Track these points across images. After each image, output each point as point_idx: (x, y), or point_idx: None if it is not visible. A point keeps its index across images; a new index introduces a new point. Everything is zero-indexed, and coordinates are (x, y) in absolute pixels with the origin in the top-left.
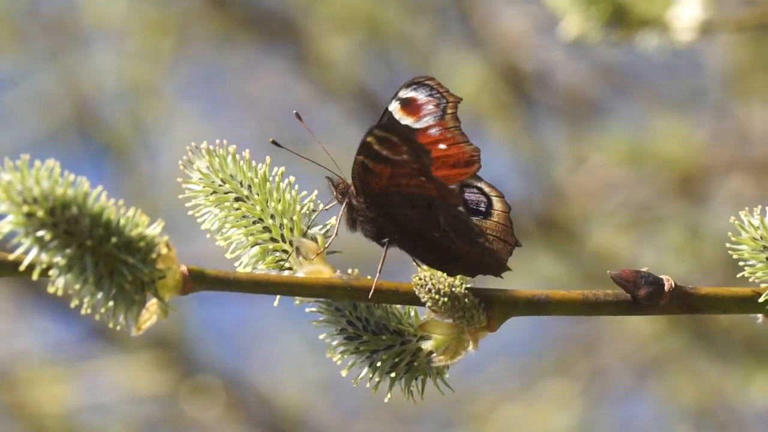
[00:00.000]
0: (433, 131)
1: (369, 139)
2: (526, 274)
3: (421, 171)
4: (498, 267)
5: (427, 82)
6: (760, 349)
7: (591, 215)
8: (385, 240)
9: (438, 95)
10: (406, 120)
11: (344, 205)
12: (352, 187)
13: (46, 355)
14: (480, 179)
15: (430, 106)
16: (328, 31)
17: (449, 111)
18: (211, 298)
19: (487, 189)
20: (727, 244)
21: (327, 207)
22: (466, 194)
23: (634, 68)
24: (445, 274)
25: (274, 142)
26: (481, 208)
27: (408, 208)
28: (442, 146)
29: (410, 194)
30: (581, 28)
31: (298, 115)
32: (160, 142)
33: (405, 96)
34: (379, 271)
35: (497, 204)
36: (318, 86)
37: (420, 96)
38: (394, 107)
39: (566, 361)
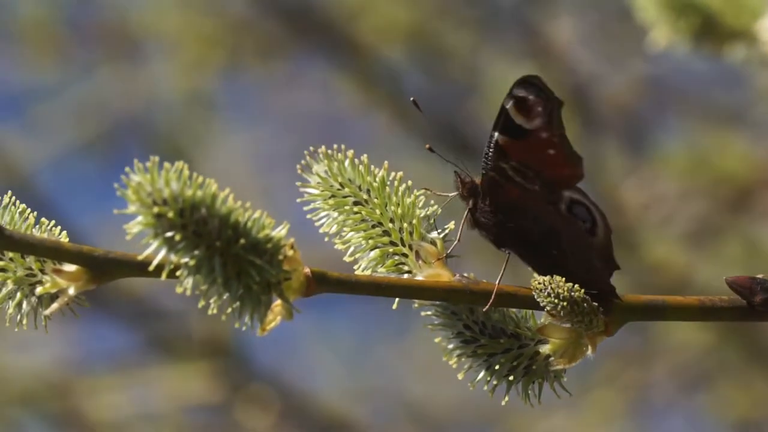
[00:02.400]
0: (543, 135)
1: (504, 166)
2: None
3: (550, 202)
4: (607, 293)
5: (534, 81)
6: None
7: (646, 227)
8: (504, 248)
9: (544, 96)
10: (518, 119)
11: (469, 203)
12: (480, 188)
13: (102, 364)
14: (586, 195)
15: (539, 108)
16: (375, 42)
17: (556, 114)
18: None
19: (593, 209)
20: None
21: (447, 196)
22: (575, 209)
23: (685, 82)
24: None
25: (430, 149)
26: (587, 226)
27: (531, 224)
28: (551, 151)
29: (537, 215)
30: (669, 38)
31: (415, 102)
32: (209, 151)
33: (518, 94)
34: (500, 278)
35: (601, 225)
36: (363, 98)
37: (530, 96)
38: (510, 106)
39: (612, 373)
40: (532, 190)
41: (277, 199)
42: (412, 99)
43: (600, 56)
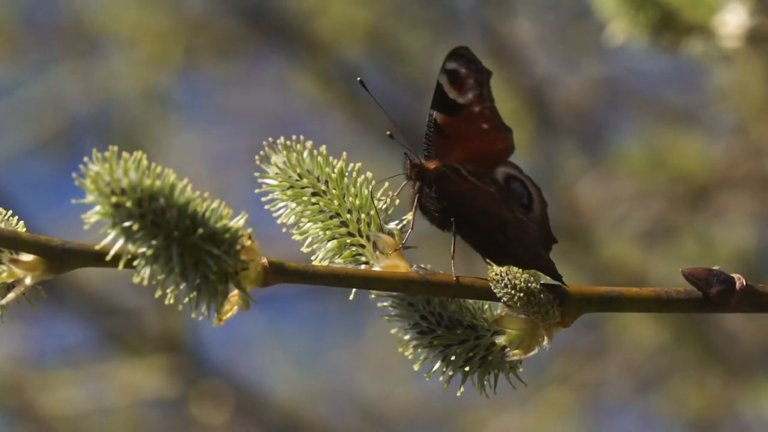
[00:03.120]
0: (475, 108)
1: (459, 167)
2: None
3: (505, 202)
4: (553, 277)
5: (463, 53)
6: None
7: (601, 226)
8: (448, 231)
9: (474, 68)
10: (452, 94)
11: (416, 185)
12: (428, 175)
13: (57, 359)
14: (520, 170)
15: (471, 81)
16: (332, 41)
17: (486, 85)
18: None
19: (527, 183)
20: None
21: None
22: (512, 185)
23: (641, 82)
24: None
25: (390, 135)
26: (524, 201)
27: (478, 213)
28: (484, 125)
29: (486, 207)
30: (627, 33)
31: (362, 82)
32: (165, 149)
33: (451, 68)
34: (453, 258)
35: (537, 199)
36: (320, 97)
37: (461, 69)
38: (444, 80)
39: (566, 371)
40: (487, 191)
41: (234, 198)
42: (359, 79)
43: (556, 57)
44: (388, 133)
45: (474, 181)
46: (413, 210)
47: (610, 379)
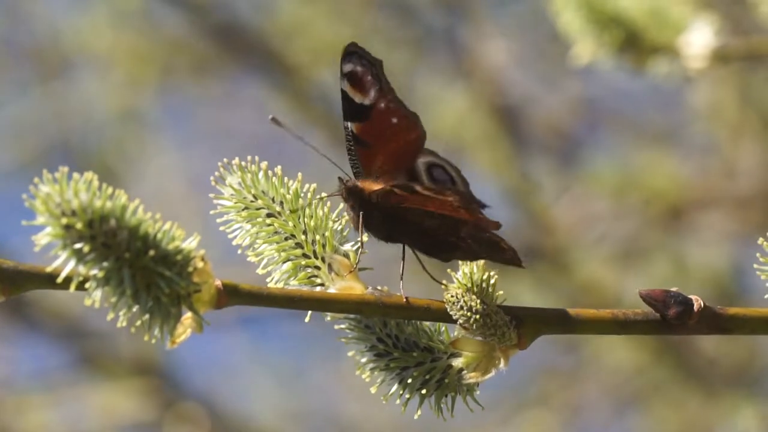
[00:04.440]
0: (381, 105)
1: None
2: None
3: (464, 207)
4: (514, 263)
5: (353, 49)
6: (745, 380)
7: (577, 246)
8: (395, 242)
9: (367, 63)
10: (357, 98)
11: (357, 209)
12: (366, 195)
13: (30, 382)
14: (438, 155)
15: (368, 77)
16: (309, 62)
17: (383, 78)
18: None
19: (448, 167)
20: (755, 265)
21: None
22: (434, 172)
23: (616, 101)
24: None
25: (274, 120)
26: (447, 185)
27: (428, 220)
28: (394, 119)
29: (435, 213)
30: (593, 53)
31: (275, 120)
32: (141, 170)
33: (347, 70)
34: (401, 278)
35: (459, 180)
36: (297, 117)
37: (357, 68)
38: (346, 86)
39: (546, 392)
40: (443, 201)
41: (212, 219)
42: (271, 117)
43: (533, 77)
44: (299, 137)
45: (433, 196)
46: (359, 231)
47: (590, 400)
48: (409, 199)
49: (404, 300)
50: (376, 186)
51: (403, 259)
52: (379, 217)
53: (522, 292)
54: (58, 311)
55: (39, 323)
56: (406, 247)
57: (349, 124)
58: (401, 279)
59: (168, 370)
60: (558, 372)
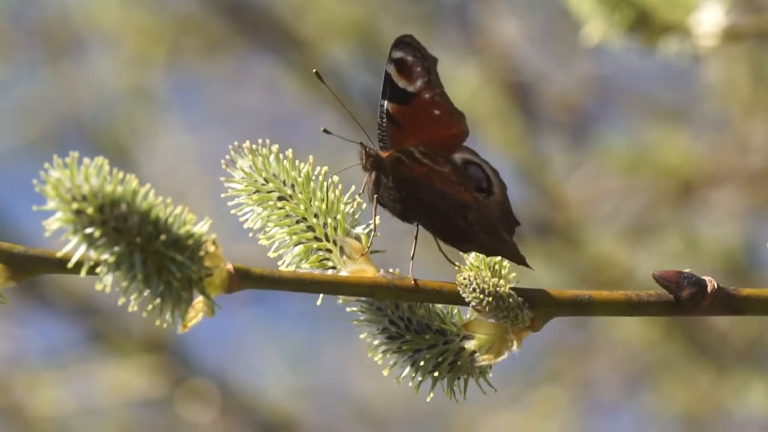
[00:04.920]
0: (426, 95)
1: (413, 150)
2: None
3: (460, 183)
4: (517, 261)
5: (408, 41)
6: (756, 357)
7: (588, 222)
8: (409, 221)
9: (420, 56)
10: (402, 83)
11: (372, 176)
12: (383, 164)
13: (41, 359)
14: (477, 154)
15: (418, 68)
16: (320, 39)
17: (434, 72)
18: None
19: (485, 167)
20: None
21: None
22: (470, 169)
23: (628, 78)
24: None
25: (325, 130)
26: (483, 186)
27: (437, 199)
28: (436, 111)
29: (443, 191)
30: (603, 33)
31: (318, 75)
32: (152, 149)
33: (397, 57)
34: (412, 258)
35: (496, 182)
36: (309, 95)
37: (408, 57)
38: (392, 70)
39: (557, 369)
40: (441, 171)
41: (222, 199)
42: (314, 71)
43: (545, 54)
44: (322, 129)
45: (428, 163)
46: (374, 203)
47: (600, 377)
48: (415, 169)
49: (413, 282)
50: (388, 153)
51: (416, 240)
52: (393, 189)
53: (533, 267)
54: (69, 289)
55: (50, 301)
56: (421, 228)
57: (386, 102)
58: (412, 260)
59: (179, 347)
60: (568, 348)
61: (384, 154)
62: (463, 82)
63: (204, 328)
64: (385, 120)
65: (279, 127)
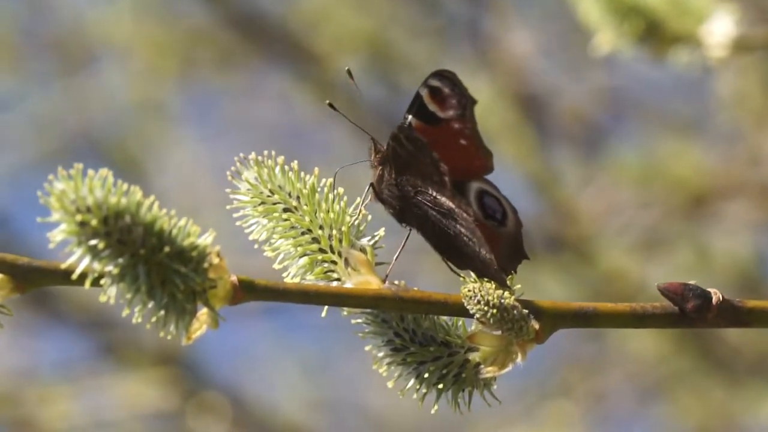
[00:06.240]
0: (456, 125)
1: (398, 134)
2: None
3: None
4: (498, 282)
5: (449, 76)
6: None
7: (600, 235)
8: (405, 223)
9: (459, 92)
10: (432, 107)
11: (378, 172)
12: (390, 160)
13: (54, 372)
14: (497, 189)
15: (453, 101)
16: (332, 52)
17: (470, 110)
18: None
19: (503, 202)
20: None
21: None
22: (485, 199)
23: (640, 91)
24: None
25: (330, 105)
26: (497, 216)
27: (429, 202)
28: (462, 141)
29: (434, 197)
30: (613, 43)
31: (349, 72)
32: (164, 162)
33: (433, 84)
34: (397, 257)
35: (512, 217)
36: (321, 108)
37: (445, 88)
38: (425, 93)
39: (569, 382)
40: (423, 162)
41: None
42: (347, 69)
43: (557, 66)
44: (327, 102)
45: (410, 149)
46: (365, 193)
47: (612, 390)
48: (402, 156)
49: (422, 294)
50: None
51: (404, 242)
52: (394, 186)
53: (545, 281)
54: (82, 302)
55: (62, 314)
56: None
57: (411, 117)
58: (394, 260)
59: (191, 360)
60: (581, 362)
61: None
62: (476, 96)
63: (216, 341)
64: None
65: (292, 140)
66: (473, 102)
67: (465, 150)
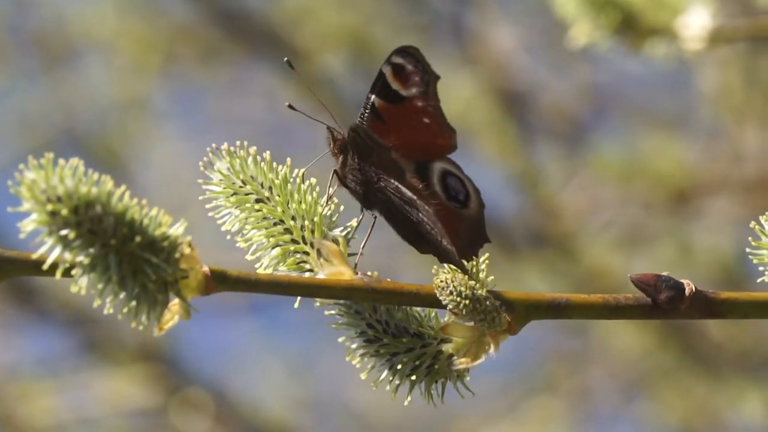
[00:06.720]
0: (419, 103)
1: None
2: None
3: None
4: (460, 270)
5: (412, 52)
6: (751, 365)
7: (583, 231)
8: (371, 209)
9: (422, 68)
10: (395, 86)
11: (339, 159)
12: (350, 146)
13: (36, 369)
14: (459, 168)
15: (416, 78)
16: (316, 48)
17: (433, 87)
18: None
19: (466, 182)
20: (747, 249)
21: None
22: (448, 180)
23: (623, 87)
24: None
25: (290, 106)
26: (460, 198)
27: (392, 190)
28: (426, 120)
29: (396, 186)
30: (589, 36)
31: (289, 63)
32: (148, 158)
33: (396, 62)
34: (364, 244)
35: (474, 198)
36: (304, 104)
37: (408, 65)
38: (388, 71)
39: (553, 379)
40: (385, 148)
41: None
42: (285, 59)
43: (539, 62)
44: (287, 104)
45: (377, 140)
46: (329, 180)
47: (597, 386)
48: (366, 143)
49: (398, 285)
50: None
51: (370, 230)
52: (357, 171)
53: (528, 278)
54: (64, 298)
55: (44, 310)
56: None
57: (374, 96)
58: (362, 248)
59: (173, 356)
60: (565, 357)
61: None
62: (458, 92)
63: (199, 337)
64: (368, 111)
65: (276, 136)
66: (436, 78)
67: (428, 128)
